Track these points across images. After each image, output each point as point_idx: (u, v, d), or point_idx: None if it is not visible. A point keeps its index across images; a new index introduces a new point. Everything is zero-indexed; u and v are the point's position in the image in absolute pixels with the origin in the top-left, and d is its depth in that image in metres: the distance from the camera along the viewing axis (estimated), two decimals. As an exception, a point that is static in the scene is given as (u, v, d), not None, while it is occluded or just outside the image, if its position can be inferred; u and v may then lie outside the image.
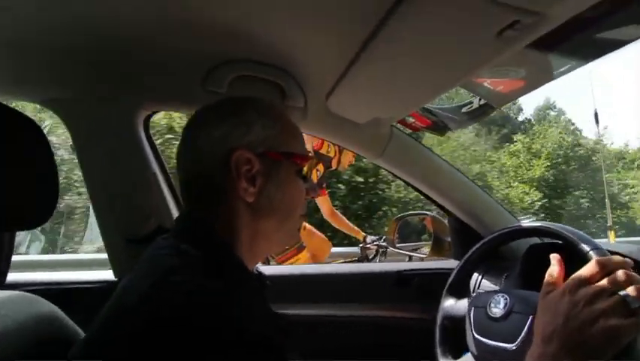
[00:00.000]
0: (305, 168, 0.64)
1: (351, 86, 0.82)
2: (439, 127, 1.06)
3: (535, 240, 1.05)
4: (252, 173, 0.58)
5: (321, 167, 2.83)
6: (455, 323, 0.89)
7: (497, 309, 0.77)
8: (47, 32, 0.74)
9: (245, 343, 0.43)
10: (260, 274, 0.74)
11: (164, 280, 0.47)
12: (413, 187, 1.16)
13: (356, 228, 3.12)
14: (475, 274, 1.18)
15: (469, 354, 0.86)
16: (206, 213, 0.59)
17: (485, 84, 0.79)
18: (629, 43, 0.61)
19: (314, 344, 1.15)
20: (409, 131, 1.11)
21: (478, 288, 1.16)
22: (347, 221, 3.15)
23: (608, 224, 7.01)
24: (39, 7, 0.66)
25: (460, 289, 0.97)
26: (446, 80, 0.72)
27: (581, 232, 0.75)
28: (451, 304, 0.94)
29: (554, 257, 0.62)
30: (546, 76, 0.71)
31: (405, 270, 1.26)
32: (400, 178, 1.15)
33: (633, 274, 0.53)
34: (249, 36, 0.76)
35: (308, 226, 2.82)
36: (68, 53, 0.81)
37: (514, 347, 0.73)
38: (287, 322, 0.63)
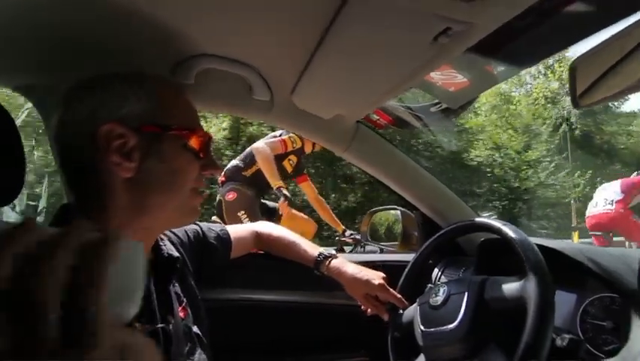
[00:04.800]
0: (194, 142, 0.62)
1: (312, 82, 0.86)
2: (404, 125, 1.10)
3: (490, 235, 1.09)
4: (128, 148, 0.56)
5: (293, 158, 2.96)
6: (405, 332, 0.93)
7: (438, 297, 0.82)
8: (22, 19, 0.76)
9: None
10: (168, 255, 0.71)
11: None
12: (379, 181, 1.21)
13: (337, 220, 3.19)
14: (436, 270, 1.23)
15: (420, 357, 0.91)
16: (78, 193, 0.59)
17: (438, 85, 0.83)
18: (563, 49, 0.66)
19: (273, 330, 1.20)
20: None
21: (439, 281, 1.21)
22: (330, 211, 3.22)
23: (573, 225, 7.23)
24: None
25: (409, 294, 0.99)
26: (396, 81, 0.76)
27: (517, 228, 0.80)
28: (399, 315, 0.97)
29: None
30: (491, 79, 0.76)
31: (370, 261, 1.30)
32: (366, 172, 1.19)
33: None
34: (212, 32, 0.79)
35: (288, 209, 2.84)
36: (37, 40, 0.83)
37: (455, 325, 0.77)
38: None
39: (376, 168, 1.15)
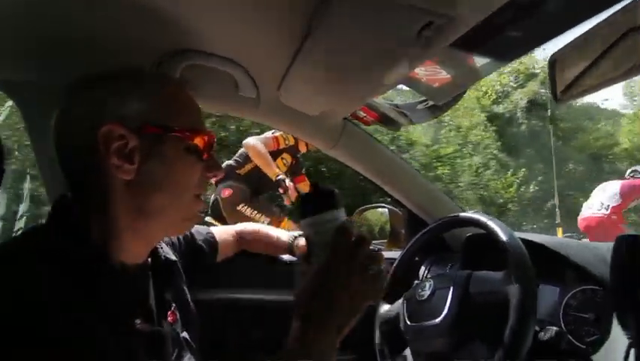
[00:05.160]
0: (197, 144, 0.60)
1: (298, 79, 0.86)
2: (390, 122, 1.11)
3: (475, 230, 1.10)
4: (128, 149, 0.54)
5: (287, 156, 2.87)
6: (392, 326, 0.93)
7: (424, 292, 0.83)
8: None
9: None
10: (165, 259, 0.71)
11: None
12: (366, 179, 1.21)
13: None
14: (423, 267, 1.24)
15: (406, 351, 0.91)
16: (77, 193, 0.57)
17: (423, 81, 0.83)
18: (543, 43, 0.66)
19: (270, 330, 1.19)
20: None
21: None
22: None
23: (557, 221, 7.31)
24: None
25: (395, 294, 0.98)
26: (382, 77, 0.76)
27: (502, 224, 0.81)
28: (386, 310, 0.97)
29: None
30: (474, 74, 0.76)
31: None
32: (353, 169, 1.20)
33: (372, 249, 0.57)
34: (199, 26, 0.79)
35: (286, 221, 2.81)
36: (19, 35, 0.81)
37: (440, 319, 0.79)
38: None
39: (363, 165, 1.16)
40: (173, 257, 0.74)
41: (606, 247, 0.86)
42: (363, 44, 0.66)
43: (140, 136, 0.55)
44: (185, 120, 0.60)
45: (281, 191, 2.56)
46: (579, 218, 4.89)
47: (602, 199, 4.64)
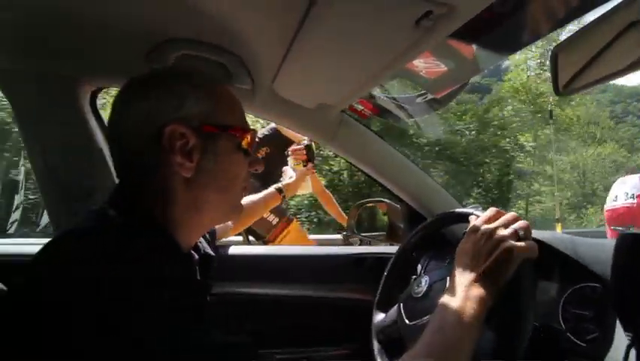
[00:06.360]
0: (245, 142, 0.63)
1: (294, 69, 0.84)
2: (389, 115, 1.09)
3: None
4: (188, 147, 0.57)
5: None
6: (389, 335, 0.91)
7: (420, 288, 0.81)
8: None
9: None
10: (204, 253, 0.73)
11: (61, 240, 0.51)
12: (364, 173, 1.19)
13: (343, 214, 3.03)
14: (420, 263, 1.22)
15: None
16: (138, 187, 0.58)
17: (421, 74, 0.81)
18: (544, 36, 0.65)
19: (269, 323, 1.19)
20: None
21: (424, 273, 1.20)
22: (337, 205, 3.07)
23: (556, 217, 7.31)
24: None
25: (389, 300, 0.97)
26: (379, 67, 0.74)
27: None
28: (382, 318, 0.95)
29: (472, 218, 0.74)
30: (474, 67, 0.74)
31: (357, 253, 1.29)
32: (352, 163, 1.18)
33: (518, 216, 0.68)
34: (192, 14, 0.76)
35: (295, 224, 2.65)
36: (8, 23, 0.79)
37: None
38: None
39: (361, 158, 1.14)
40: (211, 251, 0.76)
41: (603, 244, 0.84)
42: (361, 33, 0.64)
43: (198, 134, 0.57)
44: (236, 119, 0.63)
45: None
46: (606, 211, 4.90)
47: (625, 190, 4.65)
